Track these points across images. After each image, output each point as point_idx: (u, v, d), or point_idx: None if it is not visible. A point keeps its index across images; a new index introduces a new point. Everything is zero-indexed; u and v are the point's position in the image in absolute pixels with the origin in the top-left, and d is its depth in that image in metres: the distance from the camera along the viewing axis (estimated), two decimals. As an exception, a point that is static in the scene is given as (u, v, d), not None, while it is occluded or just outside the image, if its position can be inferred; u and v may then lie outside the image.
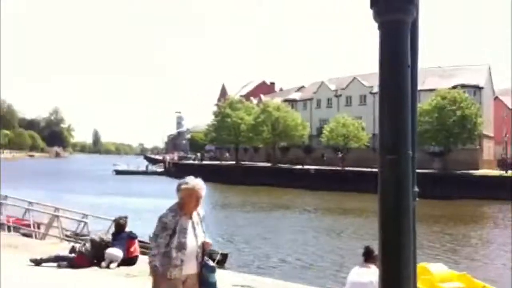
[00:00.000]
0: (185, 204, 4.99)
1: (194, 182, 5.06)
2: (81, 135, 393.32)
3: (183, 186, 5.01)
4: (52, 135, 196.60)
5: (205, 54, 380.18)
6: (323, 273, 16.91)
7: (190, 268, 4.92)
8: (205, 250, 5.07)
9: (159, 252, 4.82)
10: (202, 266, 5.01)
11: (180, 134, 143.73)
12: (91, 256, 9.83)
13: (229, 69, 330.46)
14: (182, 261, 4.83)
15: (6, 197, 17.68)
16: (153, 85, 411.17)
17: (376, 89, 47.61)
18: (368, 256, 6.41)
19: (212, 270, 5.06)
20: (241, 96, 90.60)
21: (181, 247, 4.83)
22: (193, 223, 5.01)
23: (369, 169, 43.75)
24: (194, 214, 5.08)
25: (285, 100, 73.38)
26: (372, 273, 6.04)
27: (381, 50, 2.00)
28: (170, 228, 4.85)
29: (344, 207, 37.17)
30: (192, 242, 4.92)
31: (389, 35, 1.99)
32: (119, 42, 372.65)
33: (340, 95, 69.15)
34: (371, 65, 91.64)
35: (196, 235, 4.99)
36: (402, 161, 1.96)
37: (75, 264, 9.65)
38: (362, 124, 58.48)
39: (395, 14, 1.97)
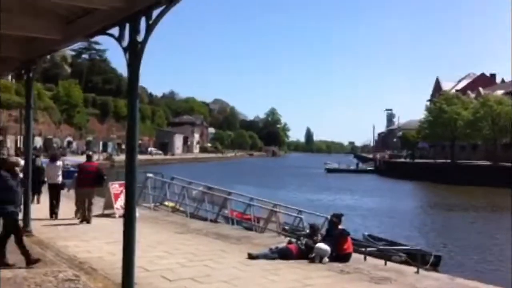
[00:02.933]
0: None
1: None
2: (295, 134, 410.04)
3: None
4: (269, 135, 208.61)
5: (418, 46, 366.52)
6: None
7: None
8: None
9: None
10: None
11: (390, 131, 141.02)
12: (305, 251, 10.24)
13: (443, 62, 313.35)
14: None
15: (230, 193, 19.33)
16: (364, 81, 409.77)
17: None
18: None
19: None
20: (456, 90, 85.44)
21: None
22: None
23: None
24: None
25: (508, 93, 66.99)
26: None
27: None
28: None
29: None
30: None
31: None
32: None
33: None
34: None
35: None
36: None
37: (290, 257, 10.15)
38: None
39: None
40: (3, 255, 8.70)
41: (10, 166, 8.89)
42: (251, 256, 10.07)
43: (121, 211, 15.42)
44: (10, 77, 63.09)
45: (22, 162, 10.55)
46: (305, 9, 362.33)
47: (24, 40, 11.74)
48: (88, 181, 14.37)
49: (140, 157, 7.51)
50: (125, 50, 7.23)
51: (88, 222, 14.15)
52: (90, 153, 17.82)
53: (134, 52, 7.13)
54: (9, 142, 62.89)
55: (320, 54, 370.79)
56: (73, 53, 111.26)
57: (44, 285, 7.48)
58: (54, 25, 10.03)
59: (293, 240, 11.17)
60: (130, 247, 7.16)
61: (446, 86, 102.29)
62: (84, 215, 14.24)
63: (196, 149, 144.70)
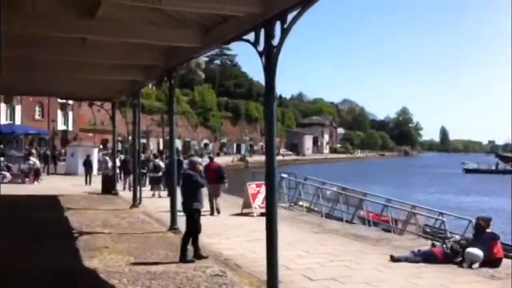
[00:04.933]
0: None
1: None
2: (428, 133, 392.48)
3: None
4: (400, 135, 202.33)
5: None
6: None
7: None
8: None
9: None
10: None
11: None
12: (451, 255, 9.75)
13: None
14: None
15: (365, 194, 19.03)
16: (500, 77, 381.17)
17: None
18: None
19: None
20: None
21: None
22: None
23: None
24: None
25: None
26: None
27: None
28: None
29: None
30: None
31: None
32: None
33: None
34: None
35: None
36: None
37: (434, 260, 9.72)
38: None
39: None
40: (198, 249, 9.40)
41: (194, 166, 9.69)
42: (393, 259, 9.80)
43: (259, 210, 15.94)
44: (150, 85, 67.66)
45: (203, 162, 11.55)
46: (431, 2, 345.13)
47: (167, 49, 12.53)
48: (212, 179, 15.38)
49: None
50: (260, 54, 7.41)
51: (219, 213, 16.11)
52: (212, 155, 19.58)
53: (270, 56, 7.28)
54: (152, 144, 67.47)
55: (449, 47, 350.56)
56: (206, 59, 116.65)
57: (194, 280, 7.90)
58: (194, 33, 10.59)
59: (437, 243, 10.68)
60: (274, 246, 7.33)
61: None
62: (212, 208, 16.01)
63: (326, 150, 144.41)
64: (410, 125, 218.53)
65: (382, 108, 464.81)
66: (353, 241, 12.34)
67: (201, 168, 10.02)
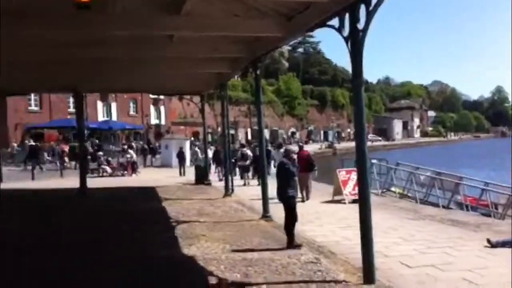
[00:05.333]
0: None
1: None
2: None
3: None
4: (496, 115, 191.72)
5: None
6: None
7: None
8: None
9: None
10: None
11: None
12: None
13: None
14: None
15: (461, 178, 18.28)
16: None
17: None
18: None
19: None
20: None
21: None
22: None
23: None
24: None
25: None
26: None
27: None
28: None
29: None
30: None
31: None
32: None
33: None
34: None
35: None
36: None
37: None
38: None
39: None
40: (293, 237, 9.50)
41: (289, 154, 9.86)
42: (490, 243, 9.38)
43: (350, 197, 15.79)
44: (236, 76, 68.71)
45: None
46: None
47: (252, 41, 12.63)
48: (302, 167, 15.30)
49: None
50: (346, 39, 7.29)
51: (308, 199, 16.41)
52: (301, 144, 19.42)
53: (355, 41, 7.16)
54: (240, 134, 68.60)
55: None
56: (289, 48, 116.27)
57: (289, 267, 7.98)
58: (278, 23, 10.59)
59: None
60: (368, 232, 7.25)
61: None
62: (303, 196, 16.14)
63: (417, 134, 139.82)
64: (506, 104, 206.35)
65: (474, 89, 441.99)
66: (450, 227, 11.92)
67: (295, 157, 10.17)
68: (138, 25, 10.39)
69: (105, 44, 12.47)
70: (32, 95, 43.71)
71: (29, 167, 28.32)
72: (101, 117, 51.34)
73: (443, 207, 16.48)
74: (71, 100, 41.84)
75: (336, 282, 7.12)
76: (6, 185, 21.92)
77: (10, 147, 38.26)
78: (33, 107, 46.05)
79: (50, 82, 19.67)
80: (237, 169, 23.44)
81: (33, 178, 25.50)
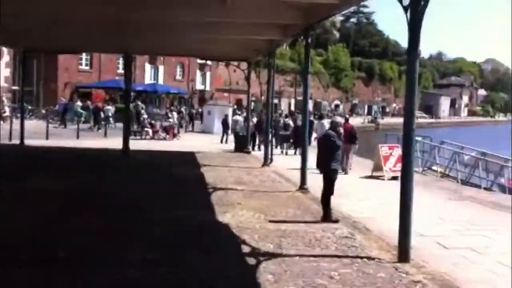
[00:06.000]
0: None
1: None
2: None
3: None
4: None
5: None
6: None
7: None
8: None
9: None
10: None
11: None
12: None
13: None
14: None
15: (507, 160, 17.77)
16: None
17: None
18: None
19: None
20: None
21: None
22: None
23: None
24: None
25: None
26: None
27: None
28: None
29: None
30: None
31: None
32: None
33: None
34: None
35: None
36: None
37: None
38: None
39: None
40: (329, 211, 9.44)
41: (335, 126, 9.65)
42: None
43: (390, 174, 15.56)
44: (284, 45, 68.07)
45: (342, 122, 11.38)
46: None
47: (306, 7, 12.35)
48: (346, 139, 15.07)
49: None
50: (405, 8, 7.02)
51: (346, 173, 16.08)
52: (347, 116, 19.56)
53: (416, 11, 6.89)
54: (283, 105, 68.26)
55: None
56: (341, 18, 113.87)
57: (323, 240, 7.96)
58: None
59: None
60: (407, 210, 7.12)
61: None
62: (343, 168, 15.67)
63: (464, 113, 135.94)
64: None
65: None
66: (492, 209, 11.65)
67: (341, 130, 9.86)
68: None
69: (157, 7, 12.48)
70: (84, 54, 44.60)
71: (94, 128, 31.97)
72: (148, 79, 51.96)
73: (485, 188, 16.10)
74: (121, 61, 42.43)
75: (370, 258, 7.06)
76: (52, 142, 22.68)
77: (58, 104, 39.26)
78: (84, 67, 47.04)
79: (101, 42, 19.97)
80: (276, 139, 23.41)
81: (78, 137, 26.17)
